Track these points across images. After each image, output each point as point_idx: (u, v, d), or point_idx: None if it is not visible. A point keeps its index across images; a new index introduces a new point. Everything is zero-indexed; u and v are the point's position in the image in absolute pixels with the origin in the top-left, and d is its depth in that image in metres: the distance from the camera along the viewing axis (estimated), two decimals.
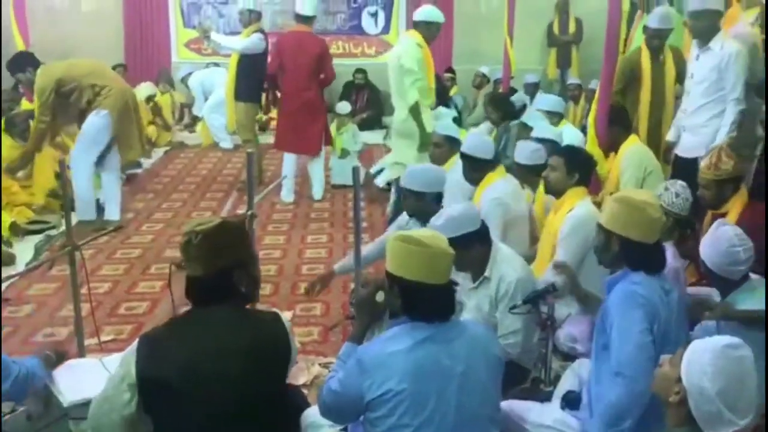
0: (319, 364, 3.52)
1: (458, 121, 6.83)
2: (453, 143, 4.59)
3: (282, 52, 6.32)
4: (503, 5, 7.80)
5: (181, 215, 6.17)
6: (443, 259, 2.13)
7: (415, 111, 5.38)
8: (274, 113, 7.72)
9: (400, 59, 5.40)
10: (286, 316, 2.26)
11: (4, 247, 4.85)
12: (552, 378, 2.93)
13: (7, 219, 5.22)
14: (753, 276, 2.86)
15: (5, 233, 5.10)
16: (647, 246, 2.50)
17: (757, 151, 4.46)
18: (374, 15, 10.59)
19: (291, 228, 5.86)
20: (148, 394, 1.99)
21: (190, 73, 9.34)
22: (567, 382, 2.85)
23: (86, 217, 5.45)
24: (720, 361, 1.66)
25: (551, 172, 3.71)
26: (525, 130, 5.46)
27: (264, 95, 6.97)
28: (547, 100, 6.24)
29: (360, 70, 9.93)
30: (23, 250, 5.06)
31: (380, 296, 2.39)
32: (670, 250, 3.02)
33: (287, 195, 6.53)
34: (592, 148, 4.83)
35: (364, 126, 8.83)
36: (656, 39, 5.15)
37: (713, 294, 3.02)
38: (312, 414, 2.38)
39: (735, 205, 3.53)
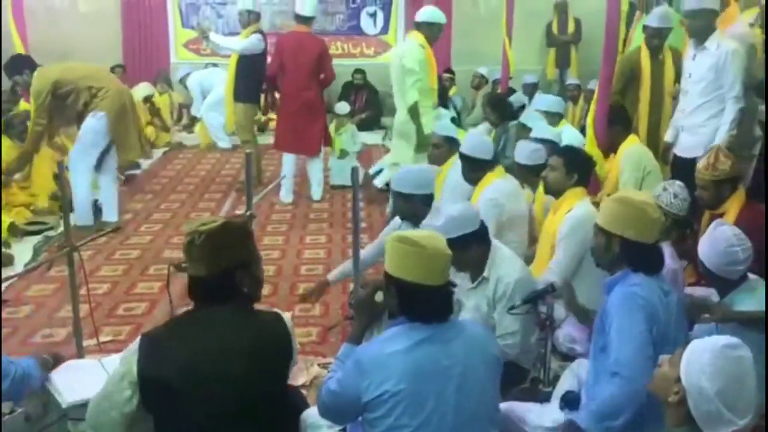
0: (318, 365, 3.52)
1: (457, 121, 6.84)
2: (452, 144, 4.60)
3: (282, 52, 6.31)
4: (502, 6, 7.81)
5: (180, 216, 6.16)
6: (440, 259, 2.12)
7: (413, 111, 5.38)
8: (272, 114, 7.71)
9: (402, 59, 5.41)
10: (287, 316, 2.26)
11: (2, 248, 4.84)
12: (551, 378, 2.93)
13: (6, 220, 5.22)
14: (751, 276, 2.87)
15: (4, 234, 5.09)
16: (647, 246, 2.50)
17: (755, 151, 4.46)
18: (373, 15, 10.58)
19: (290, 228, 5.85)
20: (149, 394, 1.98)
21: (188, 74, 9.31)
22: (566, 383, 2.85)
23: (84, 223, 5.42)
24: (719, 360, 1.66)
25: (550, 173, 3.71)
26: (524, 130, 5.46)
27: (263, 96, 6.97)
28: (546, 101, 6.23)
29: (359, 71, 9.93)
30: (22, 251, 5.06)
31: (379, 297, 2.39)
32: (668, 251, 3.03)
33: (286, 195, 6.53)
34: (591, 148, 4.84)
35: (363, 126, 8.83)
36: (656, 38, 5.16)
37: (712, 294, 3.02)
38: (311, 414, 2.38)
39: (733, 206, 3.53)
